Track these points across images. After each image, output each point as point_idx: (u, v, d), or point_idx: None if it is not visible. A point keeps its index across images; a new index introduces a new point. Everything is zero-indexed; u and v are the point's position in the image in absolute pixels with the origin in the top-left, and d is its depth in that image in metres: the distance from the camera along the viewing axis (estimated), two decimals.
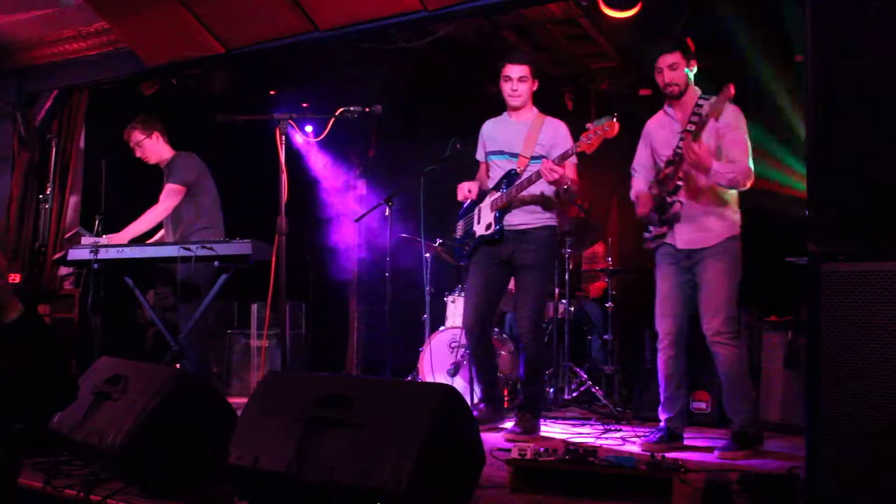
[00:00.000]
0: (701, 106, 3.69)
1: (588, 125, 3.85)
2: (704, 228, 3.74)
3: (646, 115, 4.09)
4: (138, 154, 5.02)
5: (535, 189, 4.22)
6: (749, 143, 3.70)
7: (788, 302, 4.56)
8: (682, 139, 3.70)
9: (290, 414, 2.49)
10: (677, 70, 3.76)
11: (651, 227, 3.90)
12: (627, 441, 4.07)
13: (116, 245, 4.63)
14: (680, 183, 3.75)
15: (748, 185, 3.67)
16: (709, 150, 3.60)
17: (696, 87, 3.82)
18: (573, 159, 4.18)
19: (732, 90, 3.47)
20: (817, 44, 2.34)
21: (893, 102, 2.24)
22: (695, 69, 3.81)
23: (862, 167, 2.26)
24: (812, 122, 2.34)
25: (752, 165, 3.66)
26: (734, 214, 3.80)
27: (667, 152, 3.82)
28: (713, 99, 3.54)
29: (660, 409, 3.90)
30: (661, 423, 3.87)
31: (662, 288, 3.90)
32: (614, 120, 3.77)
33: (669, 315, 3.85)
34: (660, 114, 3.99)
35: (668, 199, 3.78)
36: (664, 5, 4.90)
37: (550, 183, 4.05)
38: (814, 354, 2.25)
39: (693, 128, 3.62)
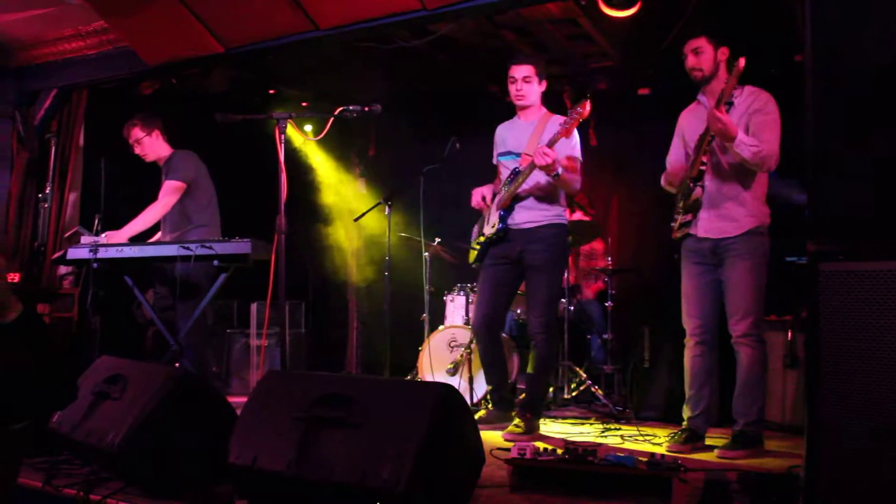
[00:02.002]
0: (732, 96, 3.62)
1: (570, 110, 3.98)
2: (727, 217, 3.69)
3: (644, 115, 4.08)
4: (137, 151, 5.01)
5: (535, 182, 4.23)
6: (779, 128, 3.61)
7: (788, 301, 4.56)
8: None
9: (289, 413, 2.49)
10: (701, 55, 3.71)
11: (676, 216, 3.87)
12: (627, 440, 4.07)
13: (116, 244, 4.63)
14: (703, 168, 3.70)
15: (773, 166, 3.59)
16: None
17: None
18: (578, 156, 4.20)
19: (742, 64, 3.37)
20: (817, 42, 2.34)
21: (894, 101, 2.24)
22: (726, 56, 3.72)
23: (862, 166, 2.26)
24: (811, 120, 2.34)
25: (778, 150, 3.58)
26: (760, 204, 3.72)
27: (695, 139, 3.76)
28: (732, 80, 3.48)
29: (684, 407, 3.87)
30: (684, 423, 3.84)
31: (687, 287, 3.85)
32: (587, 101, 3.91)
33: (694, 316, 3.81)
34: (693, 104, 3.95)
35: (691, 185, 3.74)
36: (664, 4, 4.90)
37: (541, 168, 4.05)
38: (813, 354, 2.25)
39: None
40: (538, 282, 4.25)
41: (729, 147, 3.58)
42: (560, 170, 4.06)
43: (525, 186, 4.25)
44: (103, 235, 4.70)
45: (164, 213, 4.82)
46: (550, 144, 4.01)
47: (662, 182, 4.01)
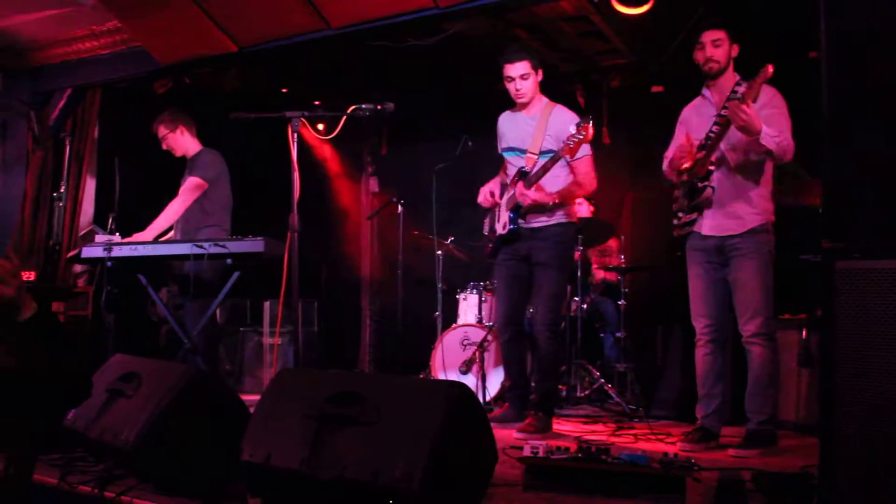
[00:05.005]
0: (736, 92, 3.60)
1: (572, 128, 3.93)
2: (733, 215, 3.68)
3: (658, 113, 4.05)
4: (165, 146, 5.04)
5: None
6: (790, 120, 3.60)
7: (803, 300, 4.53)
8: (716, 123, 3.61)
9: (302, 411, 2.49)
10: (720, 47, 3.70)
11: (680, 214, 3.85)
12: (640, 439, 4.05)
13: (130, 242, 4.65)
14: (712, 168, 3.68)
15: (791, 157, 3.56)
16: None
17: (736, 73, 3.75)
18: (588, 157, 4.18)
19: (770, 70, 3.36)
20: (832, 39, 2.32)
21: None
22: (736, 53, 3.73)
23: (879, 163, 2.24)
24: (827, 118, 2.32)
25: (792, 140, 3.56)
26: (766, 202, 3.71)
27: (701, 136, 3.74)
28: (751, 81, 3.46)
29: (697, 406, 3.85)
30: (698, 422, 3.82)
31: (695, 288, 3.83)
32: (589, 124, 3.89)
33: (703, 315, 3.80)
34: (696, 99, 3.92)
35: (700, 185, 3.71)
36: (677, 1, 4.87)
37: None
38: (828, 353, 2.23)
39: (726, 113, 3.53)
40: (543, 279, 4.27)
41: (750, 142, 3.53)
42: (552, 202, 4.17)
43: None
44: (123, 237, 4.72)
45: (185, 208, 4.83)
46: (537, 179, 4.10)
47: (664, 166, 3.97)
